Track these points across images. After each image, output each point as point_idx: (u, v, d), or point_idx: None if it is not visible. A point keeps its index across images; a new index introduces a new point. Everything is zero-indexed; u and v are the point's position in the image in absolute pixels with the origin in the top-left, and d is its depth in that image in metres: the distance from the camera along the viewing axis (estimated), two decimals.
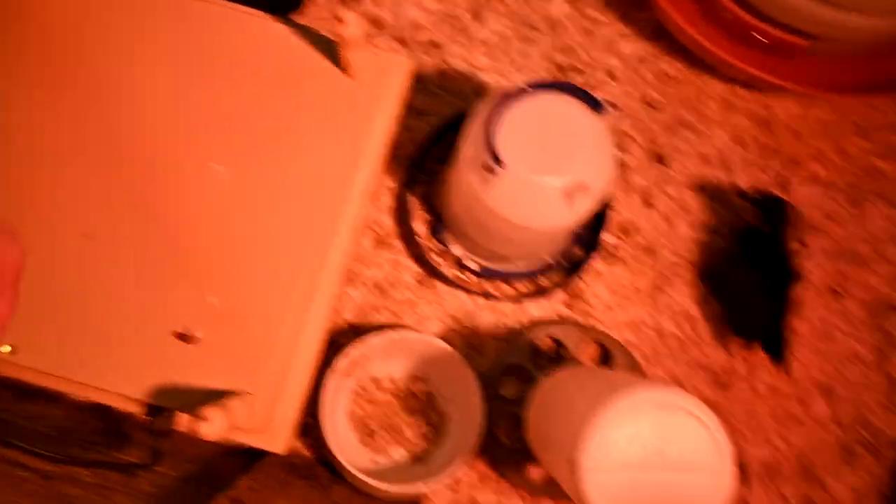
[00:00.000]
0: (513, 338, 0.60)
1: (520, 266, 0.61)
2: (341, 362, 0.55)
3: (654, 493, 0.36)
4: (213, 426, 0.35)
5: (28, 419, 0.48)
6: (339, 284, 0.50)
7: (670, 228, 0.63)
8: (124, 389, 0.44)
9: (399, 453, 0.58)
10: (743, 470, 0.60)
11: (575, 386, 0.46)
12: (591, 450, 0.36)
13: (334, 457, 0.52)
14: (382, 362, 0.60)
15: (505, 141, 0.43)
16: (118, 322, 0.45)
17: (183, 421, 0.44)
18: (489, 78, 0.67)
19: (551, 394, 0.49)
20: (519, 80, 0.67)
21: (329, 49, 0.49)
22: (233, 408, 0.40)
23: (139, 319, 0.45)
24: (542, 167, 0.44)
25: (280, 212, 0.46)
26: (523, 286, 0.62)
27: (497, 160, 0.43)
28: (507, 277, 0.61)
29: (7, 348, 0.44)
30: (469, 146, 0.46)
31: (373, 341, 0.56)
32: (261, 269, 0.46)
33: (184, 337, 0.44)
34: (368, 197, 0.51)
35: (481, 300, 0.61)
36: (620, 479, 0.36)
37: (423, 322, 0.61)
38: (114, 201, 0.46)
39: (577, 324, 0.60)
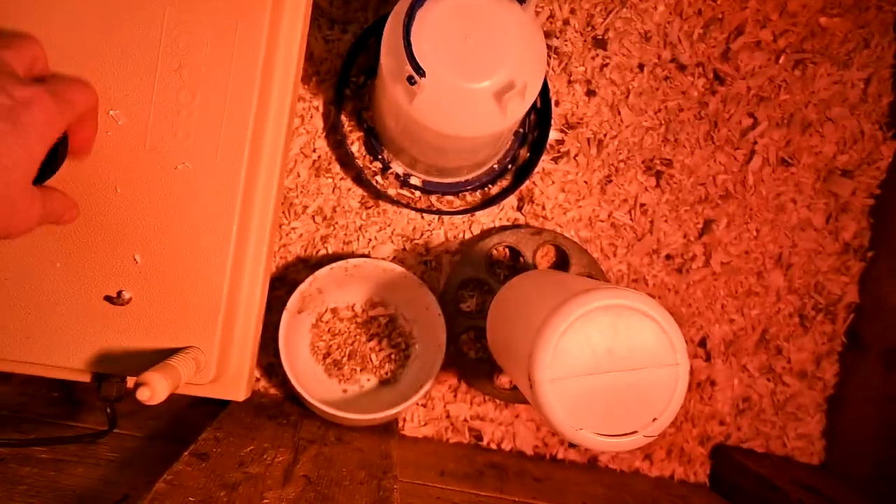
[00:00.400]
0: (466, 251, 0.59)
1: (465, 176, 0.59)
2: (293, 300, 0.54)
3: (612, 393, 0.36)
4: (151, 391, 0.34)
5: None
6: (273, 220, 0.47)
7: (615, 116, 0.61)
8: (65, 362, 0.42)
9: (368, 379, 0.58)
10: (704, 349, 0.62)
11: (527, 294, 0.45)
12: (545, 363, 0.35)
13: (299, 393, 0.52)
14: (339, 292, 0.58)
15: (423, 47, 0.40)
16: (45, 295, 0.42)
17: (130, 385, 0.42)
18: None
19: (506, 304, 0.49)
20: None
21: None
22: (176, 366, 0.39)
23: (66, 288, 0.42)
24: (467, 71, 0.41)
25: (191, 153, 0.43)
26: (471, 196, 0.60)
27: (417, 70, 0.39)
28: (452, 190, 0.58)
29: None
30: (388, 58, 0.42)
31: (322, 275, 0.55)
32: (181, 218, 0.43)
33: (114, 299, 0.42)
34: (289, 123, 0.47)
35: (430, 216, 0.59)
36: (577, 386, 0.35)
37: (375, 246, 0.60)
38: None
39: (530, 228, 0.59)
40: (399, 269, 0.56)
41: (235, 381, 0.45)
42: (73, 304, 0.42)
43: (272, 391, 0.59)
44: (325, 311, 0.58)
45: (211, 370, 0.43)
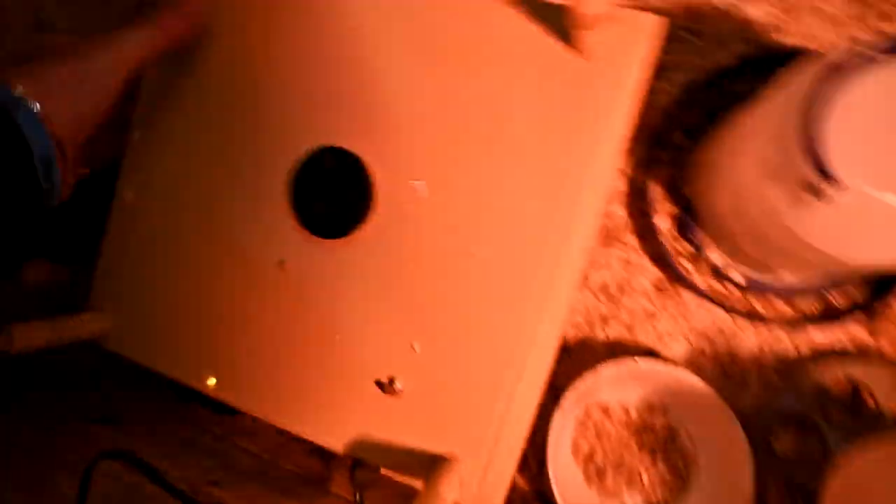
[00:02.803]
0: (791, 374, 0.46)
1: (799, 278, 0.46)
2: (568, 398, 0.46)
3: None
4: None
5: (237, 446, 0.46)
6: (564, 321, 0.39)
7: None
8: (324, 438, 0.39)
9: (634, 500, 0.48)
10: None
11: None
12: None
13: (556, 502, 0.44)
14: (613, 388, 0.49)
15: (840, 146, 0.28)
16: (315, 365, 0.39)
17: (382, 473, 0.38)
18: (761, 13, 0.50)
19: (857, 488, 0.35)
20: (813, 28, 0.49)
21: (554, 20, 0.36)
22: (443, 494, 0.33)
23: (339, 364, 0.39)
24: None
25: (494, 236, 0.36)
26: (806, 304, 0.46)
27: (828, 177, 0.28)
28: (782, 292, 0.46)
29: (212, 381, 0.41)
30: (771, 147, 0.32)
31: (606, 373, 0.46)
32: (472, 309, 0.37)
33: (385, 386, 0.37)
34: (603, 206, 0.39)
35: (744, 320, 0.47)
36: None
37: (664, 339, 0.49)
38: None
39: (886, 361, 0.44)
40: (699, 383, 0.45)
41: (490, 499, 0.39)
42: (344, 382, 0.39)
43: (520, 483, 0.52)
44: (595, 405, 0.50)
45: (466, 489, 0.37)
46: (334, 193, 0.38)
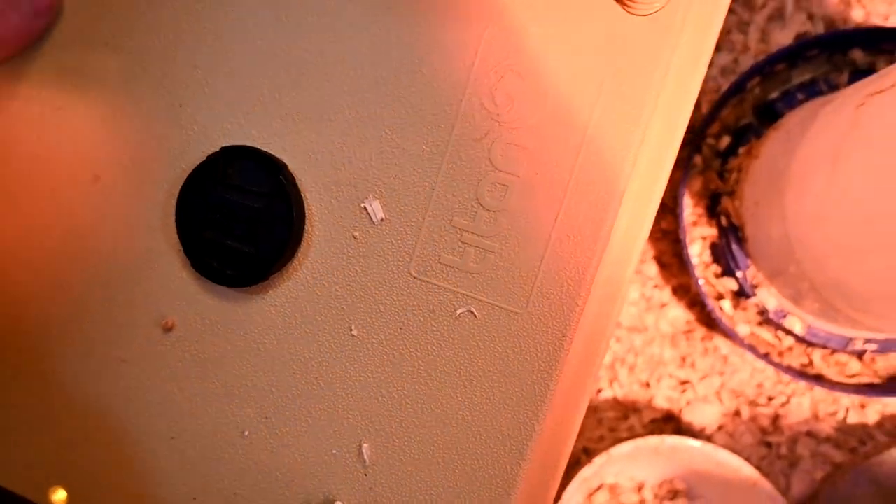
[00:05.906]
0: (867, 458, 0.35)
1: (877, 326, 0.35)
2: (568, 491, 0.34)
3: None
4: None
5: None
6: (586, 402, 0.27)
7: None
8: None
9: None
10: None
11: None
12: None
13: None
14: (624, 463, 0.38)
15: None
16: (211, 480, 0.26)
17: None
18: None
19: None
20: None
21: None
22: None
23: (245, 478, 0.26)
24: None
25: (485, 289, 0.23)
26: (881, 360, 0.36)
27: None
28: (857, 349, 0.35)
29: (61, 494, 0.28)
30: None
31: (619, 454, 0.35)
32: (452, 395, 0.24)
33: None
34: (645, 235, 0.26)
35: (797, 379, 0.36)
36: None
37: (690, 401, 0.38)
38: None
39: None
40: (736, 461, 0.34)
41: None
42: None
43: None
44: (600, 487, 0.38)
45: None
46: (242, 219, 0.25)
